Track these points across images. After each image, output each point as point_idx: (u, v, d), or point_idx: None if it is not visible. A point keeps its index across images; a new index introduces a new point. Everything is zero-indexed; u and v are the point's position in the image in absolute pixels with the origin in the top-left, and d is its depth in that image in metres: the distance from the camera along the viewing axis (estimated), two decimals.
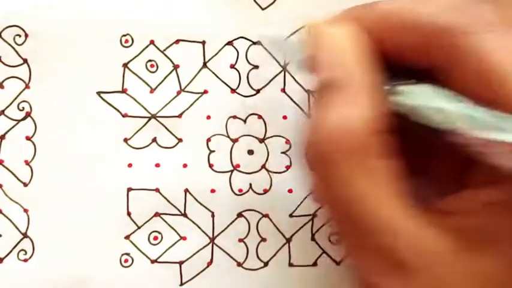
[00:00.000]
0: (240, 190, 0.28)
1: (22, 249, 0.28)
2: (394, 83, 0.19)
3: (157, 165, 0.28)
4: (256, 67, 0.29)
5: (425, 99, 0.18)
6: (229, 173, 0.28)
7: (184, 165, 0.28)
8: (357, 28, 0.20)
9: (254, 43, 0.28)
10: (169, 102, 0.28)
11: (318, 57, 0.20)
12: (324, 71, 0.20)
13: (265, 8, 0.28)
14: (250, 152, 0.29)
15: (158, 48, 0.28)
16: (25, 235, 0.28)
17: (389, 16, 0.20)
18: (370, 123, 0.19)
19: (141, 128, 0.28)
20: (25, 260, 0.28)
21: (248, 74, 0.29)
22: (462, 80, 0.18)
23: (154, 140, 0.28)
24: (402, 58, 0.20)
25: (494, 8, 0.19)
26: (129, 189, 0.28)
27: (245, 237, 0.29)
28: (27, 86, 0.28)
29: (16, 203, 0.28)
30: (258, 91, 0.29)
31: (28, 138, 0.28)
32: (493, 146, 0.17)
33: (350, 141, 0.18)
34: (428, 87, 0.19)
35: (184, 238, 0.28)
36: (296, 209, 0.29)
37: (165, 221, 0.28)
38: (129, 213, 0.28)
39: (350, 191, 0.18)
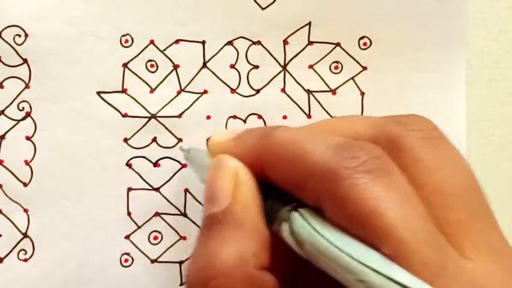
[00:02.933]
0: None
1: (22, 249, 0.28)
2: (287, 209, 0.19)
3: (157, 165, 0.28)
4: (256, 67, 0.29)
5: (310, 235, 0.19)
6: None
7: (185, 165, 0.28)
8: (241, 165, 0.21)
9: (254, 43, 0.28)
10: (169, 102, 0.28)
11: (210, 189, 0.21)
12: (212, 204, 0.20)
13: (265, 8, 0.28)
14: None
15: (158, 48, 0.28)
16: (25, 235, 0.28)
17: (278, 148, 0.20)
18: (260, 259, 0.19)
19: (141, 128, 0.28)
20: (25, 260, 0.28)
21: (248, 74, 0.29)
22: (337, 223, 0.18)
23: (154, 140, 0.28)
24: (288, 190, 0.20)
25: (376, 148, 0.19)
26: (129, 189, 0.28)
27: None
28: (27, 86, 0.28)
29: (16, 203, 0.28)
30: (258, 91, 0.29)
31: (28, 138, 0.28)
32: None
33: (240, 278, 0.19)
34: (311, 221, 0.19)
35: (184, 238, 0.28)
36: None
37: (165, 221, 0.28)
38: (129, 213, 0.28)
39: None
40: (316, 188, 0.19)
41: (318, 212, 0.19)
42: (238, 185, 0.20)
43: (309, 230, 0.18)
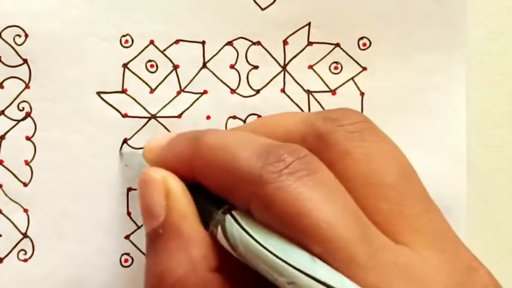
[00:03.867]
0: None
1: (22, 249, 0.28)
2: (217, 213, 0.20)
3: None
4: (256, 67, 0.29)
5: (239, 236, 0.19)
6: None
7: None
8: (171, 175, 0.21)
9: (254, 43, 0.28)
10: (169, 102, 0.28)
11: (147, 204, 0.21)
12: (150, 219, 0.21)
13: (265, 8, 0.28)
14: None
15: (158, 48, 0.28)
16: (25, 235, 0.28)
17: (207, 153, 0.20)
18: (210, 262, 0.20)
19: (141, 128, 0.28)
20: (25, 260, 0.28)
21: (248, 74, 0.29)
22: (267, 226, 0.19)
23: None
24: (219, 195, 0.20)
25: (302, 147, 0.19)
26: (129, 189, 0.28)
27: None
28: (27, 86, 0.28)
29: (16, 203, 0.28)
30: (257, 91, 0.29)
31: (28, 138, 0.28)
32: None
33: (195, 284, 0.19)
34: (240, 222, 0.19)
35: None
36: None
37: None
38: (129, 213, 0.28)
39: None
40: (244, 192, 0.19)
41: (250, 214, 0.19)
42: (170, 195, 0.21)
43: (240, 232, 0.19)
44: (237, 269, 0.20)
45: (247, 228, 0.19)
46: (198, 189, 0.21)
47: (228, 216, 0.19)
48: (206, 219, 0.20)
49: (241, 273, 0.20)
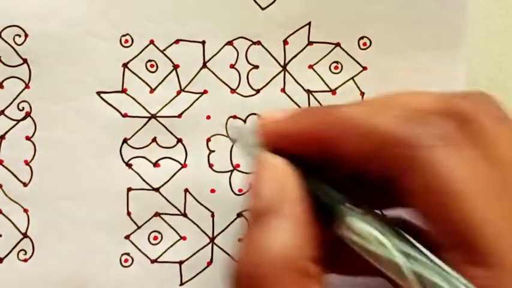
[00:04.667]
0: (240, 190, 0.29)
1: (22, 249, 0.28)
2: (341, 209, 0.20)
3: (157, 165, 0.28)
4: (256, 67, 0.29)
5: (369, 240, 0.19)
6: (229, 173, 0.28)
7: (184, 165, 0.28)
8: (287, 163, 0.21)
9: (254, 43, 0.28)
10: (169, 102, 0.28)
11: (258, 185, 0.21)
12: (259, 199, 0.21)
13: (265, 8, 0.28)
14: None
15: (158, 48, 0.28)
16: (25, 235, 0.28)
17: (346, 121, 0.20)
18: (306, 251, 0.19)
19: (141, 128, 0.28)
20: (25, 260, 0.28)
21: (248, 74, 0.29)
22: (411, 192, 0.18)
23: (154, 140, 0.28)
24: (354, 164, 0.20)
25: (448, 121, 0.19)
26: (129, 189, 0.28)
27: None
28: (27, 86, 0.28)
29: (16, 203, 0.28)
30: (258, 91, 0.29)
31: (28, 138, 0.28)
32: None
33: (286, 268, 0.19)
34: (372, 218, 0.19)
35: (184, 238, 0.28)
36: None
37: (165, 221, 0.28)
38: (129, 213, 0.28)
39: None
40: (388, 157, 0.18)
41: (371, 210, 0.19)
42: (284, 181, 0.20)
43: (369, 229, 0.19)
44: (333, 262, 0.20)
45: (376, 225, 0.19)
46: (317, 177, 0.21)
47: (356, 212, 0.19)
48: (323, 212, 0.20)
49: (336, 265, 0.20)
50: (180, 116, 0.28)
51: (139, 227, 0.28)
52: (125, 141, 0.28)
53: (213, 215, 0.28)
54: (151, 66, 0.28)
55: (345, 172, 0.21)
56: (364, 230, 0.19)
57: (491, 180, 0.18)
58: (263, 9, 0.28)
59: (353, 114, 0.20)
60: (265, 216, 0.20)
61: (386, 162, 0.19)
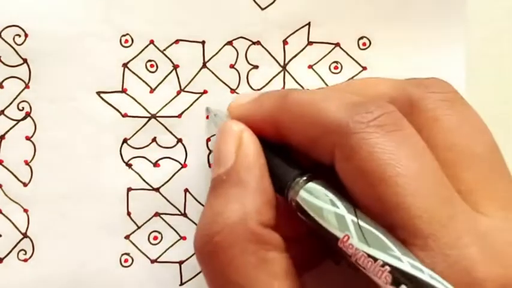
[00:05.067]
0: None
1: (22, 249, 0.28)
2: (298, 179, 0.20)
3: (157, 165, 0.28)
4: (256, 67, 0.29)
5: (324, 200, 0.19)
6: None
7: (184, 165, 0.28)
8: (246, 130, 0.22)
9: (254, 43, 0.28)
10: (169, 102, 0.28)
11: (218, 151, 0.22)
12: (218, 166, 0.21)
13: (265, 8, 0.28)
14: None
15: (158, 48, 0.28)
16: (25, 235, 0.28)
17: (296, 107, 0.21)
18: (263, 217, 0.20)
19: (141, 128, 0.28)
20: (25, 260, 0.28)
21: (248, 74, 0.29)
22: (344, 178, 0.19)
23: (154, 140, 0.28)
24: (303, 148, 0.21)
25: (389, 107, 0.19)
26: (129, 189, 0.28)
27: None
28: (27, 86, 0.28)
29: (16, 203, 0.28)
30: (258, 91, 0.29)
31: (28, 138, 0.28)
32: (373, 266, 0.17)
33: (243, 233, 0.19)
34: (326, 188, 0.20)
35: (184, 238, 0.28)
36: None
37: (165, 221, 0.28)
38: (129, 213, 0.28)
39: (243, 280, 0.19)
40: (328, 143, 0.19)
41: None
42: (241, 146, 0.21)
43: (322, 200, 0.19)
44: (294, 234, 0.20)
45: (331, 195, 0.19)
46: (279, 151, 0.22)
47: (313, 183, 0.20)
48: (281, 182, 0.21)
49: (294, 239, 0.20)
50: (180, 116, 0.28)
51: (139, 227, 0.28)
52: (124, 141, 0.28)
53: None
54: (151, 66, 0.28)
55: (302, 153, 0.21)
56: (316, 189, 0.20)
57: (424, 164, 0.18)
58: (263, 9, 0.28)
59: (302, 100, 0.21)
60: (224, 183, 0.21)
61: (326, 148, 0.19)
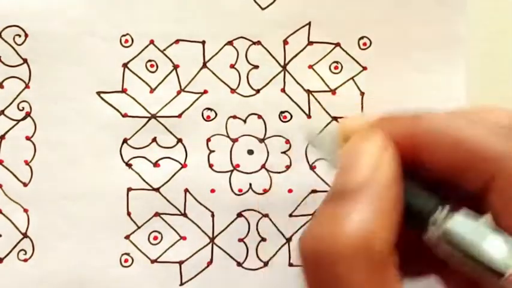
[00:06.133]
0: (240, 190, 0.29)
1: (22, 249, 0.28)
2: (441, 209, 0.18)
3: (157, 165, 0.28)
4: (256, 67, 0.29)
5: (479, 232, 0.18)
6: (229, 173, 0.28)
7: (184, 165, 0.28)
8: (389, 140, 0.20)
9: (254, 43, 0.28)
10: (169, 102, 0.28)
11: (352, 159, 0.19)
12: (349, 173, 0.19)
13: (265, 8, 0.28)
14: (250, 152, 0.29)
15: (158, 48, 0.28)
16: (25, 235, 0.28)
17: (434, 131, 0.19)
18: (385, 237, 0.18)
19: (141, 128, 0.28)
20: (25, 260, 0.28)
21: (248, 74, 0.29)
22: (500, 207, 0.18)
23: (154, 140, 0.28)
24: (444, 174, 0.19)
25: None
26: (129, 189, 0.28)
27: (245, 237, 0.29)
28: (27, 86, 0.28)
29: (16, 203, 0.28)
30: (258, 91, 0.29)
31: (28, 138, 0.28)
32: None
33: (361, 250, 0.17)
34: (476, 218, 0.18)
35: (184, 238, 0.28)
36: (296, 208, 0.29)
37: (165, 221, 0.28)
38: (129, 213, 0.28)
39: None
40: (484, 171, 0.18)
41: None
42: (385, 161, 0.19)
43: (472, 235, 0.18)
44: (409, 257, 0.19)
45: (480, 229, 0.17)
46: (408, 176, 0.19)
47: (459, 215, 0.18)
48: (416, 212, 0.19)
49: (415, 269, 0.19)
50: (180, 116, 0.28)
51: (139, 227, 0.28)
52: (125, 141, 0.28)
53: (213, 215, 0.28)
54: (151, 66, 0.28)
55: (438, 177, 0.20)
56: (466, 220, 0.18)
57: None
58: (263, 9, 0.28)
59: (443, 122, 0.19)
60: (354, 194, 0.18)
61: (474, 175, 0.18)
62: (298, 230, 0.29)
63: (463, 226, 0.18)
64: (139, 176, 0.28)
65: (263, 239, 0.29)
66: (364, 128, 0.20)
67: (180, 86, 0.28)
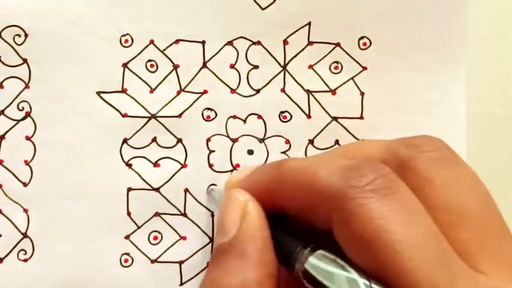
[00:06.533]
0: None
1: (22, 249, 0.28)
2: (304, 250, 0.20)
3: (157, 165, 0.28)
4: (256, 67, 0.29)
5: (334, 266, 0.19)
6: (229, 173, 0.28)
7: (184, 165, 0.28)
8: (249, 195, 0.22)
9: (254, 43, 0.28)
10: (169, 102, 0.28)
11: (221, 220, 0.22)
12: (221, 235, 0.21)
13: (265, 8, 0.28)
14: (250, 152, 0.29)
15: (158, 48, 0.28)
16: (25, 235, 0.28)
17: (290, 175, 0.21)
18: (262, 287, 0.19)
19: (141, 128, 0.28)
20: (25, 260, 0.28)
21: (248, 74, 0.29)
22: (346, 243, 0.19)
23: (154, 140, 0.28)
24: (302, 216, 0.21)
25: (383, 169, 0.19)
26: (129, 189, 0.28)
27: None
28: (27, 86, 0.28)
29: (16, 203, 0.28)
30: (258, 91, 0.29)
31: (28, 138, 0.28)
32: None
33: None
34: (333, 255, 0.19)
35: (184, 238, 0.28)
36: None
37: (165, 221, 0.28)
38: (129, 213, 0.28)
39: None
40: (325, 209, 0.19)
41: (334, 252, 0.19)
42: (246, 217, 0.21)
43: (327, 272, 0.19)
44: None
45: (333, 269, 0.19)
46: (281, 222, 0.21)
47: (315, 255, 0.19)
48: (285, 253, 0.21)
49: None
50: (180, 116, 0.28)
51: (139, 227, 0.28)
52: (124, 141, 0.28)
53: (213, 215, 0.28)
54: (151, 66, 0.28)
55: (302, 221, 0.21)
56: (324, 256, 0.19)
57: (422, 228, 0.18)
58: (263, 9, 0.28)
59: (295, 168, 0.20)
60: (226, 253, 0.20)
61: (323, 215, 0.19)
62: None
63: (315, 267, 0.19)
64: (140, 176, 0.28)
65: None
66: (232, 187, 0.23)
67: (180, 86, 0.28)
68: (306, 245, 0.20)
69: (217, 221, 0.22)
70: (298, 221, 0.21)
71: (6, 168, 0.28)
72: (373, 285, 0.18)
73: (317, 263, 0.19)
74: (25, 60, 0.28)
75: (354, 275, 0.18)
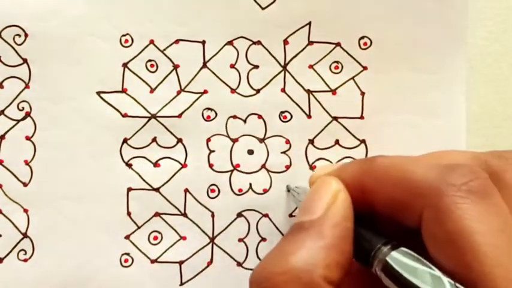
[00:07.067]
0: (240, 190, 0.29)
1: (22, 249, 0.28)
2: (385, 246, 0.20)
3: (157, 165, 0.28)
4: (256, 67, 0.29)
5: (417, 262, 0.19)
6: (229, 173, 0.28)
7: (184, 165, 0.28)
8: (342, 185, 0.22)
9: (254, 43, 0.28)
10: (169, 102, 0.28)
11: (310, 200, 0.22)
12: (304, 213, 0.21)
13: (265, 8, 0.28)
14: (250, 152, 0.29)
15: (158, 48, 0.28)
16: (25, 235, 0.28)
17: (381, 170, 0.21)
18: (330, 273, 0.19)
19: (141, 128, 0.28)
20: (25, 260, 0.28)
21: (248, 74, 0.29)
22: (435, 241, 0.19)
23: (154, 140, 0.28)
24: (391, 213, 0.21)
25: (479, 173, 0.19)
26: (129, 189, 0.28)
27: (245, 237, 0.29)
28: (27, 86, 0.28)
29: (16, 203, 0.28)
30: (258, 91, 0.29)
31: (28, 138, 0.28)
32: None
33: (305, 282, 0.19)
34: (408, 255, 0.20)
35: (184, 238, 0.28)
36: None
37: (165, 221, 0.28)
38: (129, 213, 0.28)
39: None
40: (417, 206, 0.19)
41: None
42: (334, 203, 0.21)
43: (408, 270, 0.19)
44: None
45: (416, 265, 0.19)
46: (365, 219, 0.21)
47: (396, 252, 0.19)
48: (364, 248, 0.21)
49: None
50: (180, 115, 0.28)
51: (139, 227, 0.28)
52: (124, 141, 0.28)
53: (213, 215, 0.28)
54: (151, 66, 0.28)
55: (387, 219, 0.21)
56: (406, 253, 0.19)
57: (508, 231, 0.18)
58: (263, 9, 0.28)
59: (389, 163, 0.21)
60: (304, 231, 0.20)
61: (414, 211, 0.19)
62: None
63: (398, 262, 0.19)
64: (140, 176, 0.28)
65: (263, 239, 0.29)
66: (325, 176, 0.23)
67: (180, 86, 0.28)
68: (387, 242, 0.20)
69: (303, 201, 0.22)
70: (383, 219, 0.21)
71: (6, 168, 0.28)
72: (457, 284, 0.18)
73: (400, 257, 0.19)
74: (25, 60, 0.28)
75: (438, 272, 0.18)
